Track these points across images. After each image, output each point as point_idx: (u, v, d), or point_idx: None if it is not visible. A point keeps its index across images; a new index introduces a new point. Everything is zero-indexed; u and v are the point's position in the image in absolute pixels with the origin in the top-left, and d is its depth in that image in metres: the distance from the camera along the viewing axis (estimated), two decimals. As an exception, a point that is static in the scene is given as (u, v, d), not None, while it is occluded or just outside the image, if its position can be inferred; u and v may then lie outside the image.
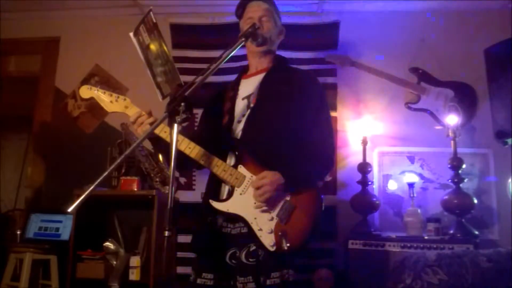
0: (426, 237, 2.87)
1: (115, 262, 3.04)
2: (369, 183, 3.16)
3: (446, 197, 2.99)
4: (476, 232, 2.88)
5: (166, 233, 1.47)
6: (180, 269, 3.28)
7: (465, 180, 2.99)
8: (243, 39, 1.77)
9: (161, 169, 3.15)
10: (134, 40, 2.41)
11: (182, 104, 1.53)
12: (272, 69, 1.93)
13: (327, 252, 3.17)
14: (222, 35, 3.56)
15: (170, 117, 1.54)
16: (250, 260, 1.72)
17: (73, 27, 3.85)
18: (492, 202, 3.21)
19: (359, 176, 3.17)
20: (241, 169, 1.76)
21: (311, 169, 1.81)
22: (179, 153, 1.69)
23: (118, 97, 1.84)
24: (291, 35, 3.56)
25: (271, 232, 1.70)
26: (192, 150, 1.75)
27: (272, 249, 1.68)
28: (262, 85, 1.87)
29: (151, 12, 2.34)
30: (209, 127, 1.96)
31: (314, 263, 3.02)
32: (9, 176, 4.37)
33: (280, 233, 1.69)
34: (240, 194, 1.74)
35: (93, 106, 3.72)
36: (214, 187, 1.83)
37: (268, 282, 1.69)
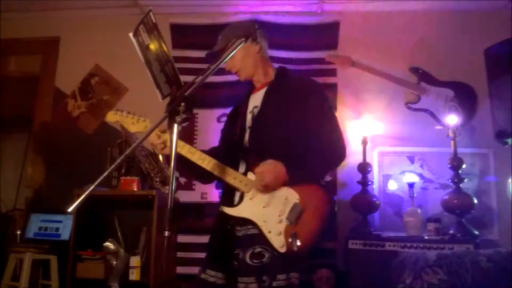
0: (426, 237, 2.87)
1: (115, 262, 3.03)
2: (369, 183, 3.16)
3: (446, 197, 2.99)
4: (476, 232, 2.87)
5: (166, 233, 1.46)
6: (180, 269, 3.28)
7: (465, 180, 2.99)
8: (243, 39, 1.77)
9: (161, 169, 3.15)
10: (133, 40, 2.41)
11: (182, 104, 1.53)
12: (274, 82, 2.03)
13: (327, 252, 3.17)
14: (222, 35, 3.56)
15: (170, 117, 1.54)
16: (254, 261, 1.77)
17: (73, 27, 3.85)
18: (492, 202, 3.21)
19: (359, 176, 3.17)
20: (251, 175, 1.84)
21: (316, 165, 1.87)
22: (201, 167, 1.85)
23: (138, 119, 1.98)
24: (291, 35, 3.61)
25: (280, 234, 1.74)
26: (204, 160, 1.86)
27: (282, 250, 1.72)
28: (265, 97, 1.98)
29: (150, 13, 2.34)
30: (227, 141, 2.10)
31: (314, 263, 3.03)
32: (9, 176, 4.37)
33: (289, 235, 1.71)
34: (250, 199, 1.82)
35: (93, 106, 3.72)
36: (228, 194, 1.92)
37: (274, 284, 1.72)
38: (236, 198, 1.89)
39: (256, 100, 2.02)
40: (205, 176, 1.95)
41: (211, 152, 1.92)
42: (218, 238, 1.91)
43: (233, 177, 1.84)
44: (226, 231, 1.88)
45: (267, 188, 1.79)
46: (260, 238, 1.77)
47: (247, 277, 1.75)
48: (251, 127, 1.94)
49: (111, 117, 1.99)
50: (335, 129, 1.93)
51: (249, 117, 1.99)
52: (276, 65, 2.13)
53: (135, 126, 1.97)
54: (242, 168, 1.90)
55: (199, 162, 1.85)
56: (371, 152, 3.34)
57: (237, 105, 2.15)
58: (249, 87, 2.11)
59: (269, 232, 1.76)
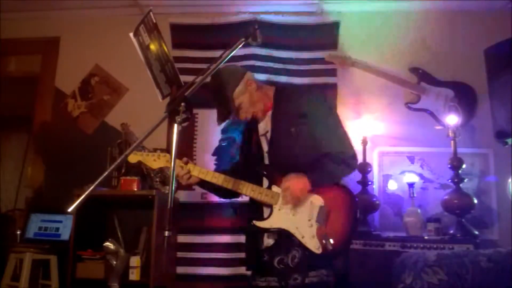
0: (426, 237, 2.87)
1: (115, 262, 3.03)
2: (369, 183, 3.16)
3: (446, 197, 2.99)
4: (476, 232, 2.87)
5: (166, 233, 1.47)
6: (180, 269, 3.28)
7: (465, 180, 2.99)
8: (243, 39, 1.77)
9: (161, 169, 3.14)
10: (134, 40, 2.42)
11: (182, 104, 1.54)
12: (275, 103, 2.10)
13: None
14: (222, 35, 3.55)
15: (170, 117, 1.54)
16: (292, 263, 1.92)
17: (73, 27, 3.85)
18: (492, 202, 3.21)
19: (359, 176, 3.17)
20: (275, 188, 1.96)
21: (334, 168, 1.98)
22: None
23: (159, 155, 2.09)
24: (291, 35, 3.61)
25: (313, 237, 1.87)
26: (218, 178, 1.99)
27: (318, 251, 1.86)
28: (273, 121, 2.07)
29: (151, 13, 2.35)
30: (244, 161, 2.20)
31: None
32: (9, 176, 4.37)
33: (322, 236, 1.86)
34: (279, 209, 1.94)
35: (93, 106, 3.72)
36: (256, 209, 2.02)
37: (306, 280, 1.87)
38: (267, 212, 1.97)
39: (265, 125, 2.11)
40: (230, 194, 2.11)
41: (229, 173, 2.04)
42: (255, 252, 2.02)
43: (258, 193, 1.95)
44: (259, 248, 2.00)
45: (298, 201, 1.89)
46: (290, 242, 1.90)
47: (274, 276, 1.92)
48: (269, 151, 2.05)
49: (133, 158, 2.10)
50: (340, 130, 2.04)
51: (263, 140, 2.09)
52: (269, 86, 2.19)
53: (157, 162, 2.08)
54: (265, 183, 2.00)
55: (213, 180, 1.98)
56: (371, 152, 3.34)
57: (244, 130, 2.25)
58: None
59: (303, 237, 1.88)
